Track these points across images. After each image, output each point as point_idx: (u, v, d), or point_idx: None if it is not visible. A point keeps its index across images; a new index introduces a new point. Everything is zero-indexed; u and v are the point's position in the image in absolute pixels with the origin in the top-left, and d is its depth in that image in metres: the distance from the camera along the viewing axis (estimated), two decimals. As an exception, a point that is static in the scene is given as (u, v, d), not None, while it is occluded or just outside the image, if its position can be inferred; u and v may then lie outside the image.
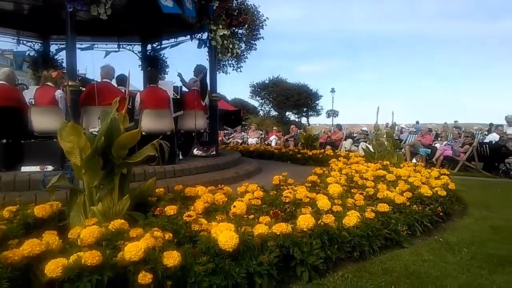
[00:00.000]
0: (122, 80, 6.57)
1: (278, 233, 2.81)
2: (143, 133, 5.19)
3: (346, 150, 11.23)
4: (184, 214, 3.07)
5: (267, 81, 40.66)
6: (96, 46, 9.82)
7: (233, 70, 23.05)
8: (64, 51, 7.30)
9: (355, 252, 3.14)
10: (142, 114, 6.15)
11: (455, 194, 5.18)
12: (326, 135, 13.69)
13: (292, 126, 16.98)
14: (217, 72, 8.38)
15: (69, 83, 5.59)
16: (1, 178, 4.82)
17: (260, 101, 41.86)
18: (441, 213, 4.39)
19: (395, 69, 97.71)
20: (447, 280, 2.79)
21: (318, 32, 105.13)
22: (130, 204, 3.11)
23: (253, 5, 21.53)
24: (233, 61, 21.61)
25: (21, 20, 8.68)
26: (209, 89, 7.90)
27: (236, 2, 8.24)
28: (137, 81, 9.89)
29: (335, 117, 40.89)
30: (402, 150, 10.17)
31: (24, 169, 5.26)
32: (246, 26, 8.77)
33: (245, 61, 22.83)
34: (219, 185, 4.32)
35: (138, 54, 10.20)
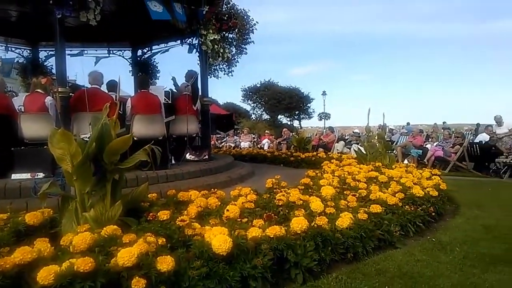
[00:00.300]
0: (113, 85, 6.55)
1: (271, 236, 2.81)
2: (135, 139, 5.17)
3: (338, 152, 11.30)
4: (177, 219, 3.06)
5: (258, 85, 40.74)
6: (86, 52, 9.74)
7: (224, 74, 23.04)
8: (54, 57, 7.25)
9: (349, 253, 3.15)
10: (133, 119, 6.13)
11: (446, 194, 5.23)
12: (319, 138, 13.75)
13: (284, 129, 16.99)
14: (209, 77, 8.39)
15: (59, 90, 5.56)
16: (-9, 186, 4.76)
17: (252, 104, 41.94)
18: (433, 213, 4.43)
19: (386, 70, 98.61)
20: (440, 280, 2.81)
21: (309, 35, 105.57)
22: (122, 210, 3.09)
23: (243, 9, 21.69)
24: (224, 65, 21.76)
25: (9, 27, 8.57)
26: (200, 93, 7.90)
27: (226, 6, 8.28)
28: (128, 87, 9.87)
29: (327, 119, 40.97)
30: (394, 152, 10.25)
31: (15, 176, 5.21)
32: (236, 30, 8.82)
33: (236, 65, 22.95)
34: (212, 189, 4.31)
35: (128, 60, 10.16)
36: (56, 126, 4.69)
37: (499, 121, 11.47)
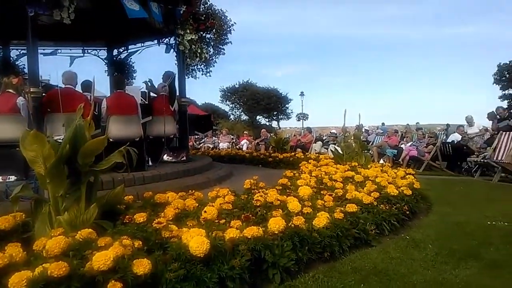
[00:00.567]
0: (88, 86, 6.41)
1: (249, 237, 2.82)
2: (111, 140, 5.10)
3: (316, 153, 11.40)
4: (154, 221, 3.03)
5: (237, 85, 40.78)
6: (59, 51, 9.51)
7: (202, 74, 22.94)
8: (26, 56, 7.05)
9: (326, 252, 3.19)
10: (109, 120, 6.03)
11: (420, 193, 5.35)
12: (296, 138, 13.84)
13: (262, 130, 17.06)
14: (186, 77, 8.32)
15: (31, 90, 5.42)
16: (-41, 190, 4.60)
17: (231, 105, 41.94)
18: (408, 212, 4.52)
19: (361, 72, 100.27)
20: (414, 277, 2.88)
21: (287, 37, 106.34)
22: (98, 213, 3.04)
23: (221, 9, 21.68)
24: (202, 65, 21.65)
25: (-22, 24, 8.31)
26: (178, 94, 7.84)
27: (203, 6, 8.25)
28: (103, 87, 9.68)
29: (305, 120, 41.35)
30: (370, 151, 10.44)
31: (-15, 179, 5.05)
32: (214, 30, 8.80)
33: (214, 66, 22.91)
34: (190, 191, 4.29)
35: (104, 60, 9.97)
36: (28, 128, 4.57)
37: (470, 122, 11.84)
